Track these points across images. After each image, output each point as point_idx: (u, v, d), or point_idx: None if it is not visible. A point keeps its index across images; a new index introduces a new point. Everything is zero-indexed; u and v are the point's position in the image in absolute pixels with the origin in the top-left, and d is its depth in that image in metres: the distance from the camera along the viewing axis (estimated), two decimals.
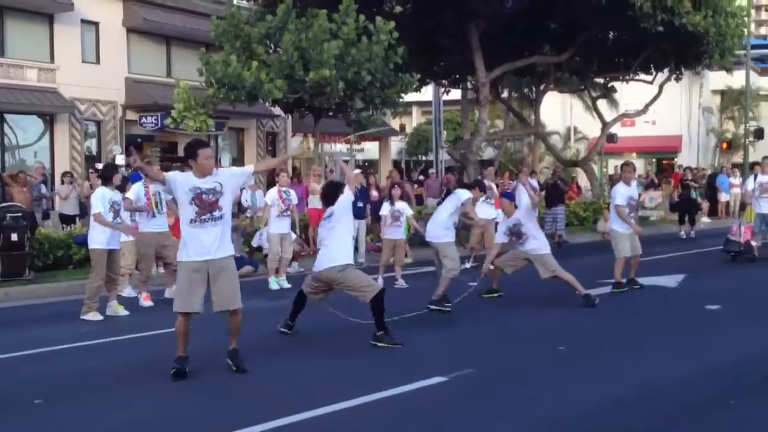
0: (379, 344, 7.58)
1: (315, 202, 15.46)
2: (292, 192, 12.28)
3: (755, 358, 7.37)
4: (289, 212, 11.97)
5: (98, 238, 9.51)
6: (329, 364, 7.24)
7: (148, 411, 5.89)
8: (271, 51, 15.34)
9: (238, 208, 16.14)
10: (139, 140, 23.05)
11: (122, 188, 11.06)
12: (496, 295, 10.49)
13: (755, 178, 15.14)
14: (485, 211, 13.44)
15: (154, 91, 21.21)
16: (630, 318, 9.32)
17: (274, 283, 11.76)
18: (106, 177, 9.92)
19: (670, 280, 12.11)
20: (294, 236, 13.20)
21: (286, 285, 11.82)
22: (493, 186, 13.89)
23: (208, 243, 6.60)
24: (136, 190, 10.41)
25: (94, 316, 9.37)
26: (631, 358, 7.38)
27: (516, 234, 10.08)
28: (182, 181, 6.59)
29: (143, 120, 22.02)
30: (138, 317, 9.70)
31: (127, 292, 11.00)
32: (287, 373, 6.96)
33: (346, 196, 7.87)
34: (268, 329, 8.79)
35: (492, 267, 10.41)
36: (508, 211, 10.21)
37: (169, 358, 6.71)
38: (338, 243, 7.78)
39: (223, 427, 5.35)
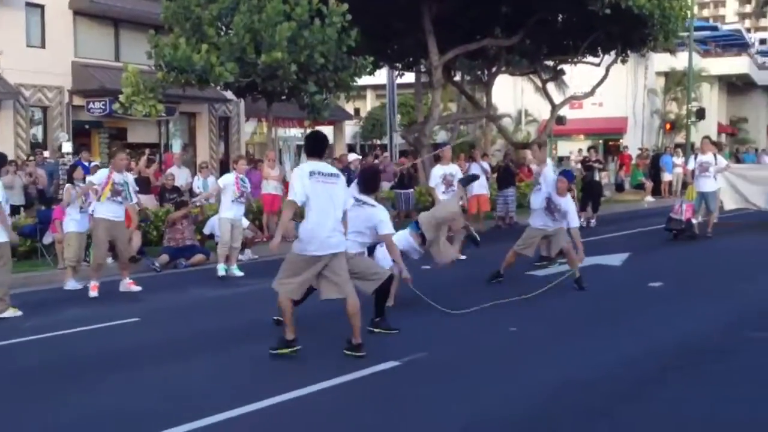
0: (376, 330, 7.57)
1: (269, 187, 15.46)
2: (248, 180, 12.29)
3: (694, 334, 7.66)
4: (243, 199, 11.94)
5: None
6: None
7: (89, 406, 5.83)
8: (222, 33, 15.17)
9: (190, 195, 16.08)
10: (86, 126, 22.65)
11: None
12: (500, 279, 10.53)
13: (695, 158, 15.64)
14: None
15: (102, 76, 20.82)
16: (577, 298, 9.57)
17: (221, 270, 11.64)
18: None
19: (615, 259, 12.45)
20: (246, 223, 13.18)
21: (239, 273, 11.79)
22: (457, 170, 13.23)
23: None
24: (99, 176, 10.43)
25: (14, 312, 9.07)
26: (577, 338, 7.60)
27: (553, 211, 10.24)
28: None
29: (91, 105, 21.59)
30: (85, 308, 9.59)
31: (71, 285, 10.80)
32: (236, 363, 6.95)
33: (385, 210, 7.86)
34: (217, 318, 8.84)
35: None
36: (562, 192, 10.23)
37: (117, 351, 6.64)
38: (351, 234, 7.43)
39: (180, 419, 5.34)
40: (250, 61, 14.47)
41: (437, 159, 15.17)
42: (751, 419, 5.34)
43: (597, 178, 18.63)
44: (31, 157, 17.81)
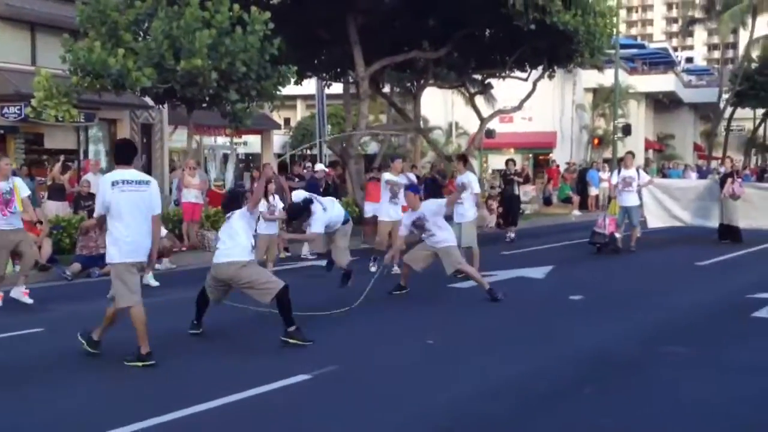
0: (291, 341, 7.39)
1: (189, 196, 15.08)
2: (18, 182, 11.43)
3: (610, 347, 7.64)
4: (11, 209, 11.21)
5: None
6: (183, 365, 7.00)
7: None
8: (140, 39, 14.69)
9: None
10: (1, 131, 21.71)
11: None
12: (404, 292, 10.34)
13: (619, 172, 15.83)
14: (393, 211, 12.44)
15: (16, 80, 19.91)
16: (498, 311, 9.46)
17: (151, 279, 11.29)
18: None
19: (538, 272, 12.46)
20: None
21: (154, 283, 11.39)
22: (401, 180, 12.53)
23: None
24: None
25: None
26: (494, 350, 7.51)
27: (419, 227, 10.07)
28: None
29: (5, 110, 20.68)
30: None
31: None
32: (150, 375, 6.68)
33: (242, 211, 7.74)
34: (124, 329, 8.46)
35: (393, 260, 10.50)
36: (413, 204, 10.16)
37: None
38: (236, 239, 7.57)
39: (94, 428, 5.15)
40: (168, 67, 14.03)
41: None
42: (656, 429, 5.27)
43: (516, 191, 18.41)
44: None
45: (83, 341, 7.21)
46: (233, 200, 8.07)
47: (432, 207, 10.15)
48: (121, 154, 7.18)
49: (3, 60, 20.89)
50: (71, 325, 8.47)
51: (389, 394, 6.05)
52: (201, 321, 8.02)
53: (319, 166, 18.35)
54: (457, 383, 6.38)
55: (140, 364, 6.79)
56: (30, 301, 10.10)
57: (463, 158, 13.49)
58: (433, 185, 18.39)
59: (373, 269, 11.88)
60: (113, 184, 6.85)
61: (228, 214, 7.85)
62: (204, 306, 7.98)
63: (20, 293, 10.12)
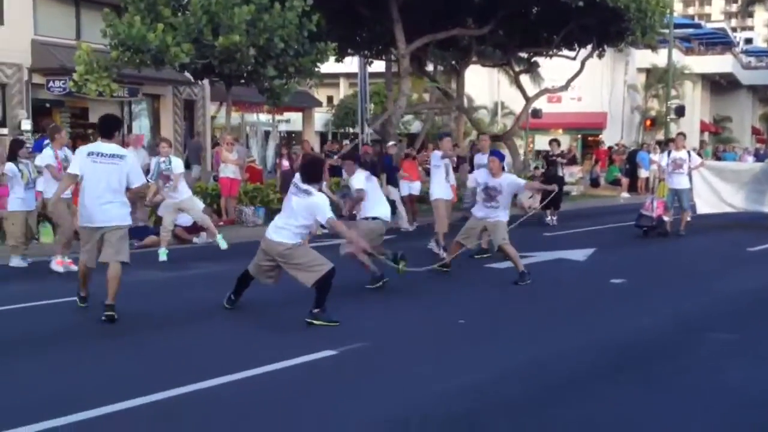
0: (316, 322, 7.21)
1: (227, 171, 15.04)
2: (174, 160, 11.55)
3: (649, 332, 7.33)
4: (170, 182, 11.30)
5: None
6: (216, 337, 6.96)
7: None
8: (179, 14, 14.61)
9: (146, 175, 15.57)
10: (47, 105, 22.02)
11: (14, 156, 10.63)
12: (447, 270, 10.08)
13: (669, 154, 15.28)
14: (443, 189, 11.83)
15: (62, 54, 20.11)
16: (533, 293, 9.19)
17: (162, 255, 11.27)
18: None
19: (579, 254, 12.10)
20: (202, 206, 12.75)
21: (225, 245, 11.43)
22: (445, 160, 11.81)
23: None
24: (48, 156, 10.16)
25: None
26: (525, 333, 7.28)
27: (489, 195, 9.73)
28: None
29: (51, 84, 20.95)
30: (25, 286, 9.18)
31: (15, 262, 10.57)
32: (175, 346, 6.67)
33: (325, 205, 7.36)
34: (155, 300, 8.47)
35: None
36: (496, 170, 9.80)
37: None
38: (293, 220, 7.33)
39: (125, 395, 5.15)
40: (207, 43, 13.95)
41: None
42: (691, 419, 5.02)
43: (560, 173, 17.50)
44: None
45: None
46: (315, 167, 7.64)
47: (513, 182, 9.84)
48: (103, 128, 7.79)
49: (49, 34, 21.13)
50: (102, 295, 8.51)
51: (412, 374, 5.88)
52: (237, 299, 7.86)
53: (391, 143, 17.84)
54: (483, 365, 6.16)
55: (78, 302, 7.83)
56: (61, 269, 10.12)
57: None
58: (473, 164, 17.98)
59: (437, 250, 11.51)
60: (88, 154, 7.47)
61: (299, 187, 7.41)
62: (243, 286, 7.82)
63: (56, 264, 10.19)
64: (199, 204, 12.31)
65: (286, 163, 17.33)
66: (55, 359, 6.22)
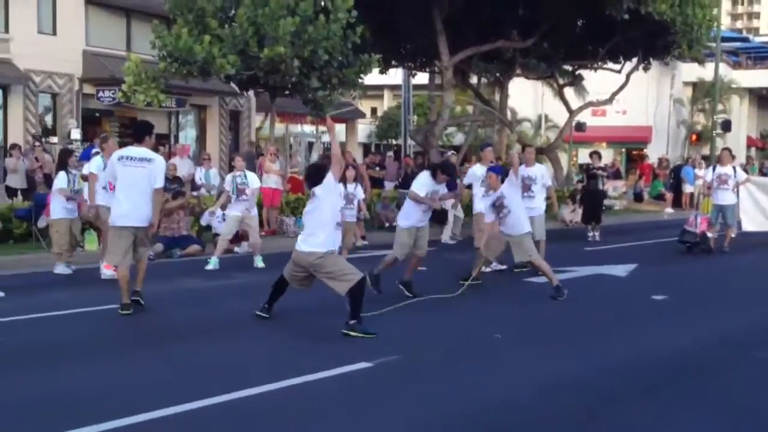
0: (352, 333, 7.25)
1: (269, 181, 15.23)
2: (250, 175, 11.94)
3: (691, 350, 7.22)
4: (245, 196, 11.64)
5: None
6: (251, 347, 7.04)
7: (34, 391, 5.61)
8: (225, 26, 14.90)
9: (192, 187, 15.88)
10: (97, 114, 22.58)
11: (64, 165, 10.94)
12: (478, 282, 10.02)
13: (714, 170, 15.05)
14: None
15: (112, 65, 20.65)
16: (572, 308, 9.11)
17: (213, 264, 11.42)
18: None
19: (621, 270, 11.96)
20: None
21: (261, 265, 11.62)
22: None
23: None
24: (97, 164, 10.30)
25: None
26: (563, 348, 7.21)
27: (498, 207, 9.70)
28: None
29: (101, 94, 21.50)
30: (68, 292, 9.41)
31: (60, 269, 10.80)
32: (210, 355, 6.72)
33: (330, 180, 7.42)
34: (196, 309, 8.59)
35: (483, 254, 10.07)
36: (494, 185, 9.86)
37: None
38: (317, 228, 7.40)
39: (158, 404, 5.20)
40: (252, 54, 14.18)
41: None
42: None
43: (600, 187, 16.91)
44: (36, 143, 17.72)
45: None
46: (317, 172, 7.67)
47: (506, 183, 9.76)
48: (135, 132, 8.56)
49: (100, 45, 21.68)
50: (145, 303, 8.70)
51: (447, 388, 5.87)
52: (272, 306, 7.95)
53: (450, 152, 17.82)
54: (518, 380, 6.14)
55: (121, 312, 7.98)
56: (109, 273, 10.19)
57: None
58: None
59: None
60: (119, 158, 8.08)
61: (313, 191, 7.54)
62: (279, 293, 7.91)
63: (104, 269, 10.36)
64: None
65: None
66: (90, 367, 6.29)
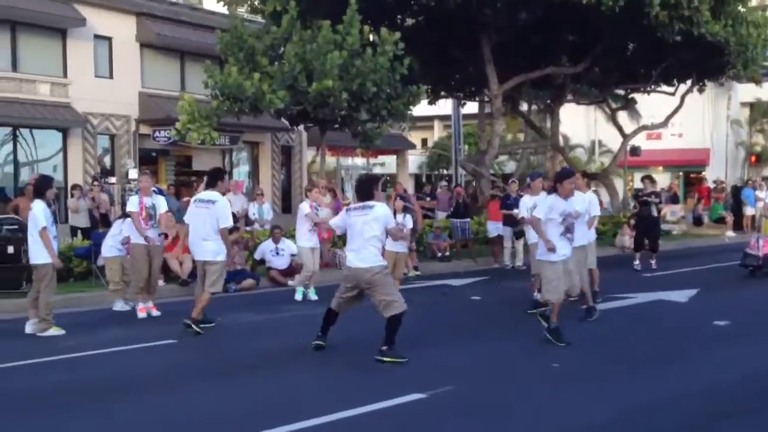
0: (385, 359, 7.30)
1: (321, 214, 15.27)
2: (321, 208, 12.19)
3: (756, 379, 6.95)
4: (315, 228, 11.81)
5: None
6: (297, 378, 7.05)
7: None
8: (275, 63, 15.16)
9: (245, 222, 16.04)
10: (153, 154, 23.08)
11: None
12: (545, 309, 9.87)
13: None
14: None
15: (167, 105, 21.14)
16: (632, 335, 8.90)
17: (299, 294, 11.74)
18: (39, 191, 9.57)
19: (681, 295, 11.64)
20: (295, 250, 13.00)
21: (314, 297, 11.68)
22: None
23: None
24: (132, 202, 10.43)
25: (57, 331, 9.24)
26: (625, 377, 7.03)
27: (567, 227, 8.57)
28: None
29: (156, 134, 21.99)
30: (126, 329, 9.55)
31: (119, 306, 10.95)
32: (260, 389, 6.74)
33: (385, 207, 7.72)
34: (252, 342, 8.62)
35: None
36: (536, 189, 9.65)
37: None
38: (369, 244, 7.50)
39: None
40: (301, 89, 14.38)
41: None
42: None
43: (653, 213, 15.66)
44: (95, 183, 18.17)
45: None
46: (368, 185, 7.86)
47: (585, 204, 9.45)
48: (207, 178, 9.63)
49: (155, 86, 22.23)
50: (202, 338, 8.78)
51: (502, 420, 5.76)
52: (325, 336, 7.93)
53: (512, 180, 17.63)
54: (575, 412, 5.96)
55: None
56: (156, 312, 10.42)
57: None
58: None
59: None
60: (194, 201, 9.48)
61: (361, 204, 7.63)
62: (330, 322, 7.92)
63: (140, 310, 10.41)
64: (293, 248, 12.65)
65: None
66: (146, 401, 6.37)
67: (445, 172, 31.70)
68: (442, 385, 6.54)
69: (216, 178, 9.44)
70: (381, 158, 32.94)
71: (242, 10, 21.39)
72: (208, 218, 8.98)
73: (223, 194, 9.48)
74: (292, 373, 7.24)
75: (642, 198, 16.01)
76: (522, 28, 18.44)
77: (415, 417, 5.87)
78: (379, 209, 7.57)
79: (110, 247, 11.05)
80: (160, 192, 14.03)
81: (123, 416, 5.94)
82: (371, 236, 7.48)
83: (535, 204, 10.98)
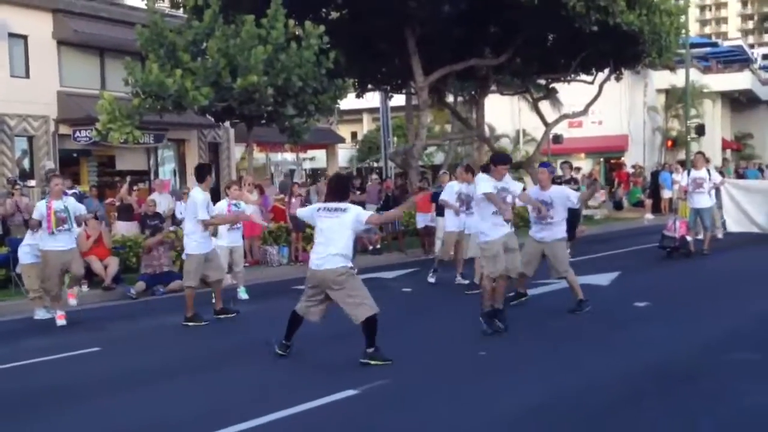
0: (372, 362, 7.14)
1: (248, 211, 15.14)
2: (243, 205, 11.90)
3: (674, 356, 7.27)
4: (238, 225, 11.53)
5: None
6: (231, 383, 6.98)
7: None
8: (198, 59, 14.95)
9: (172, 221, 15.81)
10: (74, 155, 22.48)
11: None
12: (524, 298, 10.13)
13: (689, 174, 15.22)
14: (454, 221, 11.99)
15: (87, 104, 20.57)
16: (556, 319, 9.16)
17: (243, 294, 11.57)
18: None
19: (603, 279, 12.02)
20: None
21: (245, 296, 11.51)
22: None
23: None
24: (38, 209, 10.06)
25: None
26: (549, 362, 7.24)
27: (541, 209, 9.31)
28: None
29: (77, 134, 21.40)
30: (48, 338, 9.32)
31: (40, 314, 10.61)
32: (193, 393, 6.69)
33: (358, 210, 7.34)
34: (177, 346, 8.55)
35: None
36: (545, 183, 9.69)
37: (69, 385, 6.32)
38: (341, 241, 7.18)
39: None
40: (225, 85, 14.23)
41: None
42: None
43: None
44: (16, 186, 17.57)
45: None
46: (342, 186, 7.57)
47: (562, 194, 9.64)
48: (195, 174, 10.18)
49: (74, 85, 21.63)
50: (128, 344, 8.65)
51: (433, 413, 5.85)
52: (290, 341, 7.61)
53: (442, 171, 17.58)
54: (503, 399, 6.14)
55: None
56: (65, 322, 10.07)
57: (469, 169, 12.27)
58: None
59: (431, 280, 11.86)
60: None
61: (334, 206, 7.29)
62: (295, 326, 7.58)
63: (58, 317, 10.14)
64: None
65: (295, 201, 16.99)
66: (84, 410, 6.28)
67: (375, 165, 31.81)
68: (375, 380, 6.61)
69: (204, 173, 10.03)
70: (311, 153, 32.84)
71: (162, 5, 20.98)
72: (190, 209, 9.81)
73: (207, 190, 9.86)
74: (221, 377, 7.12)
75: (558, 183, 16.23)
76: (446, 20, 18.62)
77: (343, 415, 5.89)
78: (351, 213, 7.22)
79: (26, 254, 10.71)
80: (81, 195, 13.71)
81: (61, 425, 5.85)
82: (338, 239, 7.16)
83: (460, 190, 11.43)
